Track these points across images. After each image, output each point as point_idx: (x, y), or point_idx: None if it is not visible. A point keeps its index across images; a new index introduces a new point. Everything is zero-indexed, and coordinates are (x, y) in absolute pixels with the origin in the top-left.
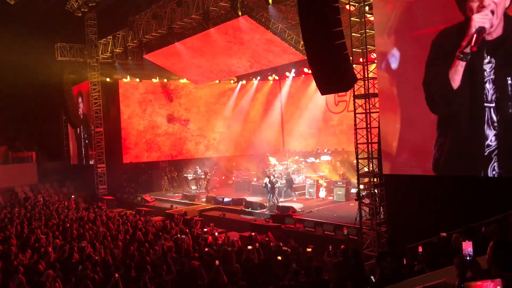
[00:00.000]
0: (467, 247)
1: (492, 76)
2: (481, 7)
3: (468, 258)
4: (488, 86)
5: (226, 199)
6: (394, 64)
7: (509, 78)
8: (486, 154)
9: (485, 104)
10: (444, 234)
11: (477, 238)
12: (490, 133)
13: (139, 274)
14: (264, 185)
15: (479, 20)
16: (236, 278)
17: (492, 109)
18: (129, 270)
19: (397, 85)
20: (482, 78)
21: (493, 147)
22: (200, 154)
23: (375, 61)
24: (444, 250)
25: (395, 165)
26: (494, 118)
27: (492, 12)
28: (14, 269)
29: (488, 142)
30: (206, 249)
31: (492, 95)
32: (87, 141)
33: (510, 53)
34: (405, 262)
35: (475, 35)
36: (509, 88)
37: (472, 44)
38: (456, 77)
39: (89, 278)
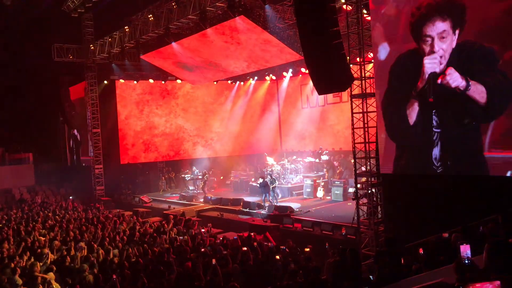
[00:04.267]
0: (466, 250)
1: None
2: (431, 52)
3: (466, 261)
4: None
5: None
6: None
7: None
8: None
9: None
10: (446, 234)
11: (475, 237)
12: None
13: (137, 275)
14: (258, 185)
15: (429, 65)
16: (232, 279)
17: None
18: (127, 271)
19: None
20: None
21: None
22: (198, 154)
23: (372, 61)
24: (443, 250)
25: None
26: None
27: (441, 57)
28: (11, 271)
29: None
30: (202, 250)
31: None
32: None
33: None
34: (403, 262)
35: (428, 85)
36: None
37: (429, 96)
38: (413, 114)
39: (87, 279)
